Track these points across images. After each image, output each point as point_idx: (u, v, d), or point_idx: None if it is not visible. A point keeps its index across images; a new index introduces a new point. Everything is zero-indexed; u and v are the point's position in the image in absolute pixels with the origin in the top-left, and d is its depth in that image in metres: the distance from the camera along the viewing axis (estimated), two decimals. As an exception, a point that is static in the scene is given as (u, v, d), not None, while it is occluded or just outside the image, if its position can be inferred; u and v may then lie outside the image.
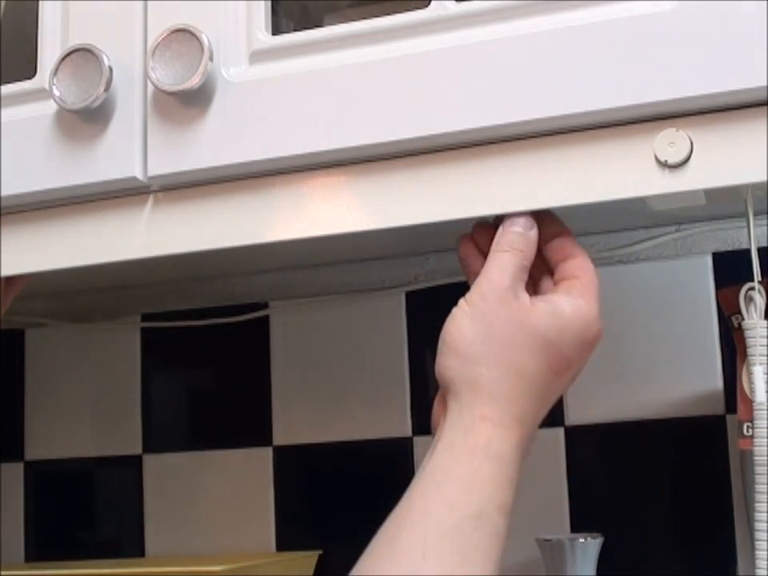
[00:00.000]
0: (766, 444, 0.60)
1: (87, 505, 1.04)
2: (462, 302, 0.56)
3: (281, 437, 0.98)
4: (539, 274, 0.59)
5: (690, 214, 0.86)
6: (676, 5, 0.52)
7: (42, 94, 0.63)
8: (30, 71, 0.65)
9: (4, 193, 0.63)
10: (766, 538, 0.60)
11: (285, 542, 0.97)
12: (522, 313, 0.55)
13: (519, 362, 0.54)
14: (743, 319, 0.64)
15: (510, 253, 0.56)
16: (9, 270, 0.65)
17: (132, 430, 1.03)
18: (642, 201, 0.56)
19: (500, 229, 0.57)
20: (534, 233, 0.57)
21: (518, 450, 0.54)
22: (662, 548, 0.86)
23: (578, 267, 0.58)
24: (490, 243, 0.57)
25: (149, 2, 0.62)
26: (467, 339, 0.54)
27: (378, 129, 0.57)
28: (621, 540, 0.85)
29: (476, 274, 0.58)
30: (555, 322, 0.55)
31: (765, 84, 0.50)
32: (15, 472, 1.06)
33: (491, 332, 0.54)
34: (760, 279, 0.63)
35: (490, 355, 0.54)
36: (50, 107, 0.63)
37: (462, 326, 0.55)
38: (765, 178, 0.51)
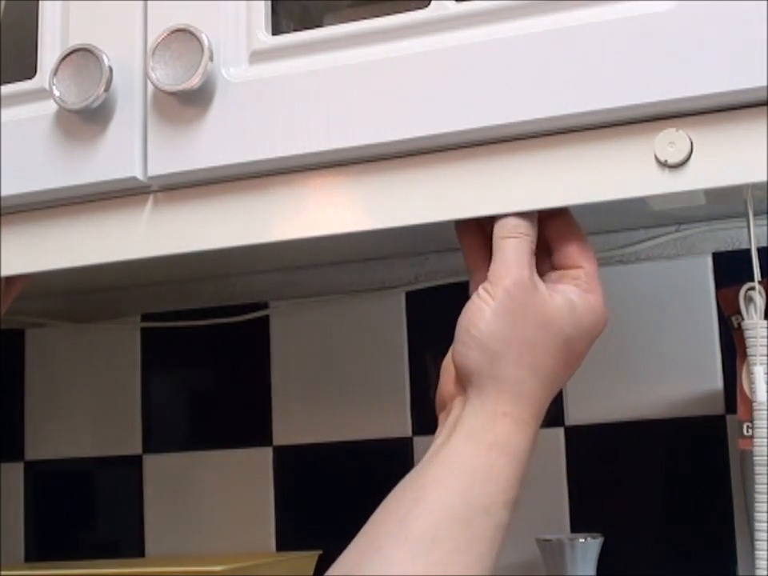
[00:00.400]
0: (766, 444, 0.60)
1: (87, 505, 1.04)
2: (484, 294, 0.55)
3: (281, 437, 0.98)
4: (537, 251, 0.59)
5: (689, 214, 0.86)
6: (675, 5, 0.52)
7: (42, 93, 0.63)
8: (30, 71, 0.65)
9: (4, 193, 0.63)
10: (766, 538, 0.60)
11: (285, 542, 0.97)
12: (544, 308, 0.55)
13: (541, 360, 0.55)
14: (743, 319, 0.64)
15: (518, 239, 0.56)
16: (9, 270, 0.65)
17: (132, 430, 1.03)
18: (642, 201, 0.56)
19: None
20: (535, 214, 0.57)
21: (531, 446, 0.55)
22: (661, 548, 0.86)
23: (580, 255, 0.58)
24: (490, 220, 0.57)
25: (149, 2, 0.62)
26: (494, 336, 0.54)
27: (377, 129, 0.57)
28: (621, 540, 0.85)
29: (471, 247, 0.59)
30: (572, 319, 0.56)
31: (765, 84, 0.50)
32: (15, 472, 1.06)
33: (517, 330, 0.55)
34: (760, 279, 0.63)
35: (514, 354, 0.54)
36: (50, 107, 0.63)
37: (489, 321, 0.55)
38: (765, 178, 0.51)
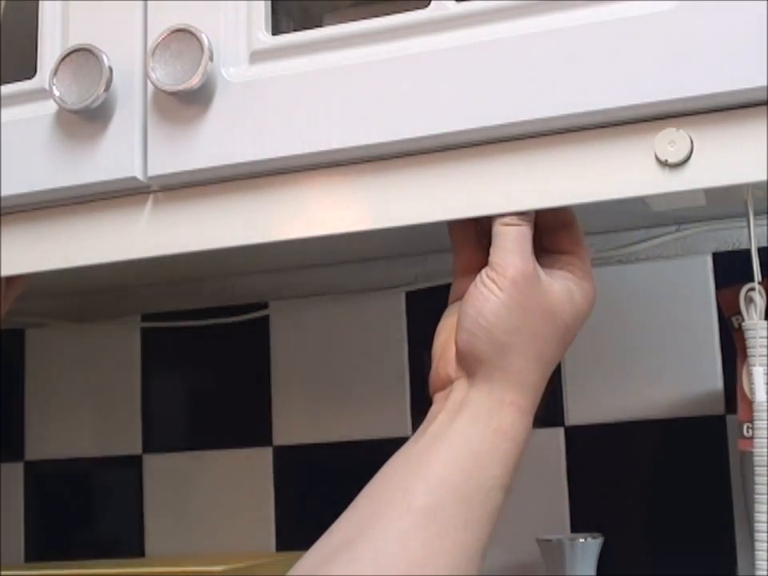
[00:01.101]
0: (766, 444, 0.60)
1: (87, 505, 1.04)
2: (490, 283, 0.55)
3: (281, 437, 0.98)
4: None
5: (689, 214, 0.86)
6: (676, 5, 0.52)
7: (42, 94, 0.63)
8: (30, 71, 0.65)
9: (4, 193, 0.63)
10: (766, 539, 0.60)
11: (285, 542, 0.97)
12: (547, 299, 0.56)
13: (544, 350, 0.56)
14: (743, 320, 0.64)
15: (520, 227, 0.56)
16: (9, 270, 0.65)
17: (132, 430, 1.03)
18: (642, 201, 0.56)
19: None
20: None
21: (529, 433, 0.56)
22: (662, 548, 0.86)
23: (574, 241, 0.59)
24: None
25: (149, 2, 0.62)
26: (503, 327, 0.55)
27: (378, 129, 0.57)
28: (621, 540, 0.85)
29: (460, 227, 0.59)
30: (572, 309, 0.57)
31: (765, 84, 0.50)
32: (15, 472, 1.06)
33: (524, 321, 0.55)
34: (760, 279, 0.63)
35: (522, 345, 0.55)
36: (50, 107, 0.63)
37: (498, 312, 0.55)
38: (765, 178, 0.51)
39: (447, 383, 0.58)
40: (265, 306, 1.00)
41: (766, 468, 0.60)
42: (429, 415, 0.57)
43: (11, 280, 0.68)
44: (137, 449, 1.03)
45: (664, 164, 0.52)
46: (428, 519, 0.52)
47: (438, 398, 0.58)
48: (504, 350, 0.55)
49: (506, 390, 0.55)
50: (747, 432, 0.68)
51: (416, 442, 0.56)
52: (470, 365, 0.56)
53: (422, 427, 0.57)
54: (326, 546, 0.54)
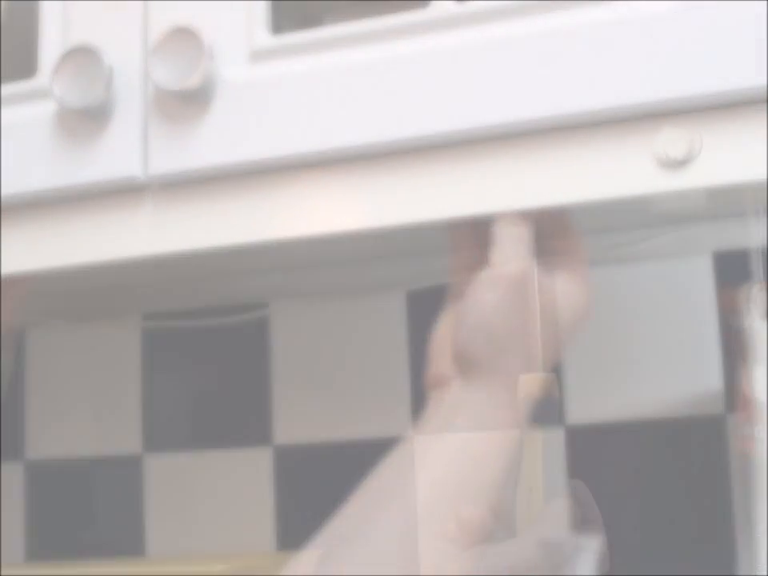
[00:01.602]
0: (766, 445, 0.60)
1: (87, 505, 1.04)
2: (490, 285, 0.56)
3: (281, 436, 0.98)
4: None
5: (690, 214, 0.86)
6: (676, 4, 0.52)
7: (42, 93, 0.63)
8: (30, 71, 0.65)
9: (4, 192, 0.63)
10: (766, 539, 0.60)
11: (285, 542, 0.97)
12: (546, 300, 0.56)
13: (538, 352, 0.56)
14: (744, 320, 0.64)
15: (518, 228, 0.56)
16: (9, 270, 0.65)
17: (132, 430, 1.03)
18: (642, 201, 0.56)
19: None
20: None
21: (523, 434, 0.56)
22: (662, 548, 0.86)
23: (571, 243, 0.59)
24: None
25: (149, 2, 0.62)
26: (501, 329, 0.55)
27: (378, 128, 0.57)
28: (621, 540, 0.85)
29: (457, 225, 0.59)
30: (570, 310, 0.57)
31: (765, 83, 0.50)
32: (15, 472, 1.06)
33: (522, 323, 0.56)
34: (761, 279, 0.63)
35: (518, 346, 0.56)
36: (49, 107, 0.63)
37: (497, 313, 0.55)
38: (765, 178, 0.51)
39: (443, 382, 0.58)
40: (265, 306, 1.00)
41: (766, 468, 0.60)
42: (424, 414, 0.57)
43: (11, 281, 0.68)
44: (137, 448, 1.03)
45: (665, 163, 0.52)
46: (429, 517, 0.52)
47: (433, 397, 0.58)
48: (501, 351, 0.55)
49: (501, 391, 0.55)
50: (747, 431, 0.68)
51: (411, 442, 0.56)
52: (466, 364, 0.56)
53: (417, 426, 0.57)
54: (322, 545, 0.55)
